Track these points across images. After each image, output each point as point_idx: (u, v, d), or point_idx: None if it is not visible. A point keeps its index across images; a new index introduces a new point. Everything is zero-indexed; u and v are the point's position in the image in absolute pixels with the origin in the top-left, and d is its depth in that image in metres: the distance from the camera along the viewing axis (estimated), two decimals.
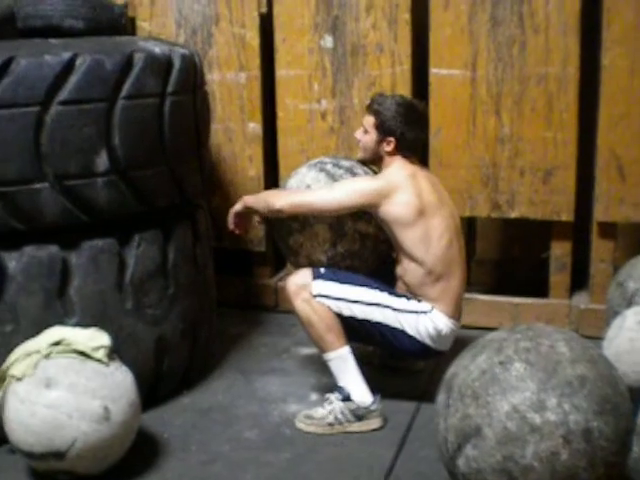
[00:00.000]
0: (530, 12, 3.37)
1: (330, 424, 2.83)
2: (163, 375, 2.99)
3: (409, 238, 2.80)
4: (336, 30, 3.60)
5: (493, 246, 4.11)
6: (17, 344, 2.59)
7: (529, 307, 3.64)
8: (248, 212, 3.00)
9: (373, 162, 2.96)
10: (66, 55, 2.65)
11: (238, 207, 2.98)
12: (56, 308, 2.72)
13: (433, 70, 3.51)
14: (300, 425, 2.87)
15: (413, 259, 2.83)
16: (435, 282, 2.83)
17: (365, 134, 2.91)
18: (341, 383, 2.85)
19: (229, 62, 3.75)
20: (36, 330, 2.62)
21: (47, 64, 2.63)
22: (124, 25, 3.49)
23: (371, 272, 2.95)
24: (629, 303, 3.14)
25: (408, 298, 2.85)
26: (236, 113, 3.79)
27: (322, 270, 2.86)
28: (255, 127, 3.78)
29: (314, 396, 3.09)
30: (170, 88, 2.87)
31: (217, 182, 3.82)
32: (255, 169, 3.82)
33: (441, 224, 2.83)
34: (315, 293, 2.81)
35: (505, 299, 3.67)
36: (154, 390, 2.95)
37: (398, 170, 2.84)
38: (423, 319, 2.82)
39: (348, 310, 2.82)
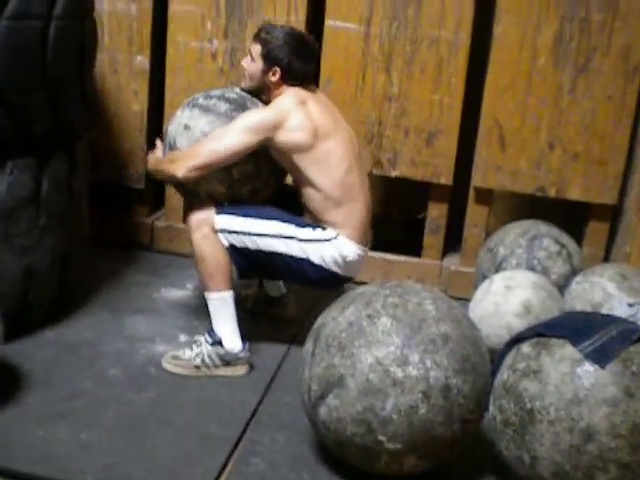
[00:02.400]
0: None
1: (197, 366, 2.83)
2: (29, 307, 2.91)
3: (307, 163, 2.77)
4: None
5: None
6: None
7: (401, 265, 3.71)
8: None
9: (259, 91, 2.90)
10: None
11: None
12: None
13: (328, 22, 3.50)
14: (166, 365, 2.85)
15: (311, 185, 2.80)
16: (336, 207, 2.82)
17: (252, 62, 2.86)
18: (215, 326, 2.84)
19: None
20: None
21: None
22: None
23: (277, 201, 2.92)
24: (498, 268, 3.25)
25: (313, 227, 2.82)
26: (124, 45, 3.68)
27: (225, 205, 2.83)
28: (143, 61, 3.68)
29: (183, 337, 3.08)
30: (56, 12, 2.74)
31: (99, 114, 3.71)
32: (139, 104, 3.73)
33: (339, 148, 2.82)
34: (218, 228, 2.78)
35: (378, 255, 3.72)
36: (19, 322, 2.87)
37: (286, 98, 2.80)
38: (328, 247, 2.81)
39: (252, 243, 2.79)
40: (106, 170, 3.80)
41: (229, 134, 2.73)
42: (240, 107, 2.82)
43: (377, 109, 3.53)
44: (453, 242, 3.80)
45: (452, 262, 3.75)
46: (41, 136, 2.86)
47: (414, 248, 3.77)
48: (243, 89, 2.91)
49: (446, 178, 3.58)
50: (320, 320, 2.35)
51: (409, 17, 3.44)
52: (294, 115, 2.75)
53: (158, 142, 2.99)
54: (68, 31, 2.81)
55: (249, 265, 2.87)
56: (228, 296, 2.83)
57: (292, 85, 2.83)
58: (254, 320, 3.16)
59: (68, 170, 2.98)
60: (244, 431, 2.56)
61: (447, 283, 3.68)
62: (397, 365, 2.13)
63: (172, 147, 2.86)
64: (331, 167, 2.80)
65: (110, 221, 3.84)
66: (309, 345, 2.33)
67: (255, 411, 2.66)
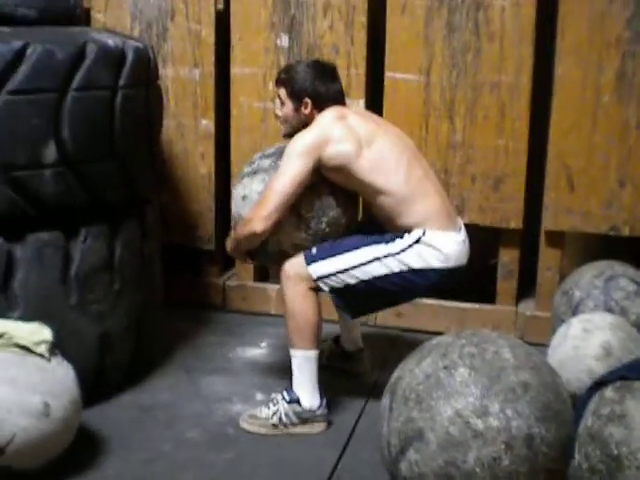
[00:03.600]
0: (486, 19, 3.40)
1: (274, 425, 2.81)
2: (106, 372, 2.95)
3: (365, 172, 2.74)
4: (292, 30, 3.59)
5: None
6: None
7: (476, 313, 3.67)
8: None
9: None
10: (17, 44, 2.60)
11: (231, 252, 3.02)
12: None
13: (388, 74, 3.52)
14: (244, 425, 2.85)
15: (380, 192, 2.76)
16: (411, 206, 2.76)
17: (282, 107, 2.87)
18: (295, 383, 2.82)
19: (184, 58, 3.72)
20: None
21: None
22: (79, 16, 3.45)
23: (360, 226, 2.91)
24: (574, 311, 3.18)
25: (400, 236, 2.76)
26: (189, 109, 3.76)
27: (313, 251, 2.80)
28: (208, 124, 3.75)
29: (259, 396, 3.07)
30: (122, 81, 2.82)
31: (168, 178, 3.79)
32: (206, 166, 3.80)
33: (391, 148, 2.79)
34: (315, 277, 2.76)
35: (452, 304, 3.69)
36: (96, 387, 2.90)
37: (324, 116, 2.80)
38: (421, 248, 2.74)
39: (352, 278, 2.76)
40: (176, 232, 3.85)
41: (284, 168, 2.72)
42: (281, 155, 2.82)
43: (442, 158, 3.53)
44: (527, 287, 3.75)
45: (527, 307, 3.69)
46: (113, 203, 2.92)
47: (487, 295, 3.73)
48: (285, 136, 2.90)
49: (516, 222, 3.54)
50: (396, 373, 2.32)
51: (468, 64, 3.44)
52: (336, 129, 2.75)
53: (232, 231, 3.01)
54: (134, 99, 2.89)
55: (357, 302, 2.85)
56: (313, 355, 2.81)
57: (327, 107, 2.83)
58: (329, 375, 3.14)
59: (140, 235, 3.04)
60: None
61: (523, 329, 3.62)
62: (477, 416, 2.09)
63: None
64: (391, 168, 2.77)
65: (182, 283, 3.89)
66: (386, 399, 2.30)
67: (335, 468, 2.63)
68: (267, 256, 2.90)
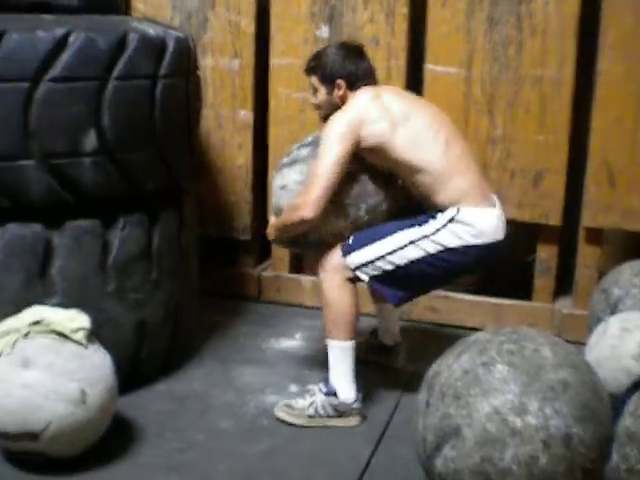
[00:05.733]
0: (528, 13, 3.36)
1: (310, 416, 2.81)
2: (142, 360, 2.96)
3: (397, 150, 2.72)
4: (332, 21, 3.57)
5: None
6: None
7: (512, 309, 3.63)
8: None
9: None
10: (59, 31, 2.61)
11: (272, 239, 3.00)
12: (37, 288, 2.69)
13: (428, 66, 3.50)
14: (279, 414, 2.84)
15: (418, 170, 2.73)
16: (448, 182, 2.73)
17: (317, 94, 2.87)
18: (331, 375, 2.81)
19: (223, 48, 3.71)
20: (15, 309, 2.57)
21: (39, 40, 2.58)
22: (119, 5, 3.46)
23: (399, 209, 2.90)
24: (613, 310, 3.14)
25: (433, 217, 2.74)
26: (227, 100, 3.75)
27: (350, 241, 2.79)
28: (246, 114, 3.75)
29: (293, 387, 3.07)
30: (163, 71, 2.83)
31: (205, 168, 3.79)
32: (244, 157, 3.79)
33: (428, 125, 2.77)
34: (353, 267, 2.75)
35: (488, 299, 3.66)
36: (132, 375, 2.91)
37: (359, 96, 2.79)
38: (455, 226, 2.71)
39: (389, 264, 2.74)
40: (213, 223, 3.86)
41: (324, 152, 2.70)
42: (318, 144, 2.80)
43: (481, 152, 3.49)
44: (564, 284, 3.71)
45: (564, 305, 3.65)
46: (151, 192, 2.93)
47: (524, 291, 3.70)
48: (324, 120, 2.87)
49: (555, 219, 3.50)
50: (434, 368, 2.30)
51: (510, 57, 3.40)
52: (371, 108, 2.74)
53: (271, 217, 3.00)
54: (174, 89, 2.89)
55: (398, 288, 2.81)
56: (349, 346, 2.80)
57: (358, 89, 2.82)
58: (365, 369, 3.13)
59: (178, 224, 3.04)
60: None
61: (560, 327, 3.58)
62: (515, 414, 2.06)
63: (280, 213, 2.88)
64: (428, 145, 2.75)
65: (217, 273, 3.90)
66: (423, 394, 2.28)
67: (368, 463, 2.62)
68: (308, 245, 2.90)
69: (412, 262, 2.74)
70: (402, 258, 2.74)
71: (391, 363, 3.25)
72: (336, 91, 2.83)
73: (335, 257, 2.79)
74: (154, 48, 2.81)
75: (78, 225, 2.73)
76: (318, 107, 2.90)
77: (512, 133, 3.46)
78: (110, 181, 2.76)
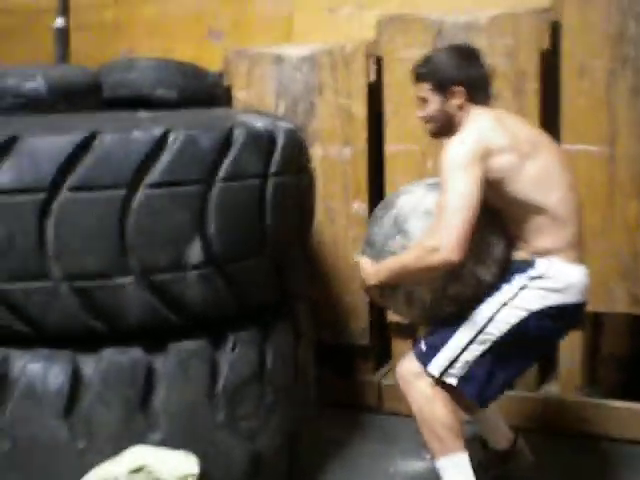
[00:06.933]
0: None
1: None
2: None
3: (521, 188, 2.32)
4: None
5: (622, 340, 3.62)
6: (91, 464, 2.23)
7: None
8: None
9: (448, 133, 2.44)
10: (157, 131, 2.30)
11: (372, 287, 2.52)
12: (138, 422, 2.33)
13: (565, 146, 3.08)
14: None
15: (534, 210, 2.33)
16: (560, 229, 2.36)
17: (427, 105, 2.44)
18: None
19: (333, 135, 3.39)
20: (113, 447, 2.26)
21: (135, 141, 2.28)
22: (220, 95, 3.19)
23: None
24: None
25: (507, 280, 2.36)
26: (339, 191, 3.41)
27: (423, 347, 2.41)
28: (360, 207, 3.40)
29: None
30: (273, 168, 2.50)
31: (316, 267, 3.44)
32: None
33: (556, 163, 2.39)
34: (438, 376, 2.38)
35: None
36: None
37: (476, 120, 2.37)
38: (542, 281, 2.33)
39: (471, 355, 2.36)
40: (327, 328, 3.49)
41: (450, 185, 2.26)
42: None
43: (631, 241, 3.05)
44: None
45: None
46: (263, 304, 2.58)
47: None
48: (433, 135, 2.51)
49: None
50: None
51: None
52: (497, 134, 2.32)
53: (359, 257, 2.56)
54: (286, 188, 2.56)
55: (485, 384, 2.39)
56: (463, 459, 2.38)
57: (479, 99, 2.41)
58: None
59: (293, 338, 2.68)
60: None
61: None
62: None
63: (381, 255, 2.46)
64: (554, 183, 2.36)
65: (333, 382, 3.51)
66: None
67: None
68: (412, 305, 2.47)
69: (497, 342, 2.35)
70: (484, 342, 2.35)
71: (519, 466, 2.79)
72: (453, 100, 2.40)
73: (412, 362, 2.43)
74: (262, 144, 2.48)
75: (183, 347, 2.39)
76: (428, 120, 2.47)
77: None
78: (218, 296, 2.42)
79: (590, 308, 3.09)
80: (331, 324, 3.50)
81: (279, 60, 3.43)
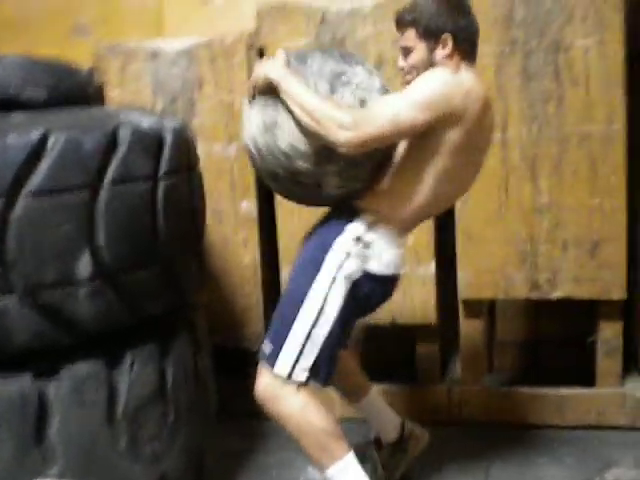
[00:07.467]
0: (567, 63, 2.92)
1: None
2: None
3: (451, 163, 2.25)
4: None
5: (518, 326, 3.61)
6: None
7: (577, 398, 3.14)
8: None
9: None
10: (34, 134, 2.09)
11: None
12: (33, 457, 2.11)
13: None
14: None
15: (434, 183, 2.28)
16: (416, 211, 2.32)
17: (412, 54, 2.26)
18: None
19: (216, 132, 3.22)
20: None
21: (11, 146, 2.06)
22: (92, 94, 2.97)
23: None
24: None
25: (329, 245, 2.25)
26: (226, 191, 3.25)
27: (267, 348, 2.27)
28: (249, 206, 3.24)
29: None
30: (163, 169, 2.32)
31: (206, 272, 3.26)
32: (250, 255, 3.27)
33: (479, 165, 2.41)
34: (285, 375, 2.23)
35: (549, 391, 3.17)
36: None
37: (475, 84, 2.23)
38: (360, 250, 2.25)
39: (317, 341, 2.23)
40: (219, 332, 3.31)
41: (406, 102, 2.13)
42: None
43: (527, 224, 3.02)
44: (629, 364, 3.23)
45: (636, 388, 3.16)
46: (159, 317, 2.40)
47: (583, 377, 3.21)
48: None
49: (618, 292, 3.03)
50: None
51: (550, 114, 2.96)
52: (472, 114, 2.20)
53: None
54: (177, 189, 2.38)
55: (330, 363, 2.29)
56: (349, 462, 2.24)
57: (466, 54, 2.27)
58: None
59: (192, 349, 2.51)
60: None
61: (634, 413, 3.09)
62: None
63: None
64: (462, 179, 2.36)
65: (227, 388, 3.34)
66: None
67: None
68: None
69: (338, 319, 2.24)
70: (327, 322, 2.23)
71: (414, 452, 2.73)
72: (440, 48, 2.24)
73: (266, 377, 2.28)
74: (150, 143, 2.30)
75: (77, 371, 2.18)
76: (409, 71, 2.28)
77: (560, 200, 2.99)
78: (111, 311, 2.22)
79: (490, 295, 3.08)
80: (223, 328, 3.33)
81: (154, 55, 3.23)
